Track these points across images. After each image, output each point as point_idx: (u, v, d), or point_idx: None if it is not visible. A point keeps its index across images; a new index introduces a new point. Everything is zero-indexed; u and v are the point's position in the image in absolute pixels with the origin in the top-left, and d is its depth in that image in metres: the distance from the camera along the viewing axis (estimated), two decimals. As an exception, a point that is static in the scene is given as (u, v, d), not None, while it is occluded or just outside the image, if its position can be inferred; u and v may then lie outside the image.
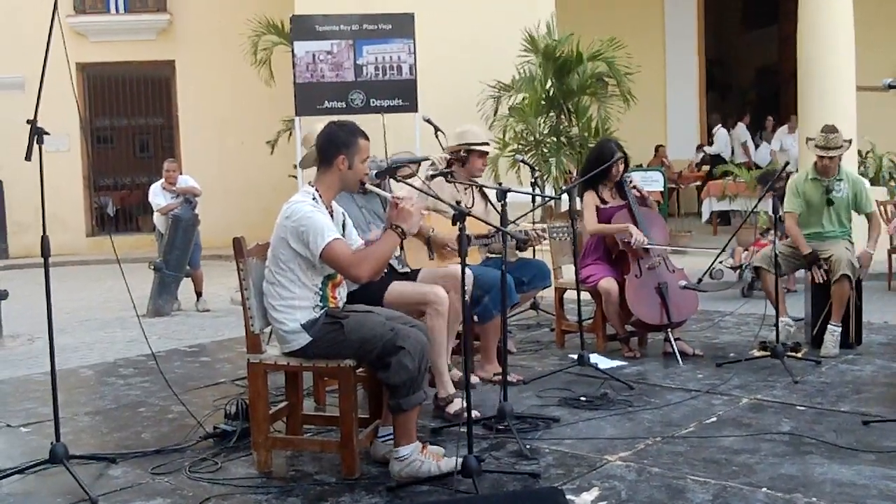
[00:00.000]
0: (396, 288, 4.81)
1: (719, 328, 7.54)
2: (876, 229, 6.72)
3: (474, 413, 4.81)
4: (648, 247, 6.38)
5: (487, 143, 6.12)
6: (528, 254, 6.85)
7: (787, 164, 7.13)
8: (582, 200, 6.68)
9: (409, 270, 5.16)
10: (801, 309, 7.02)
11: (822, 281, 6.50)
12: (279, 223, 4.12)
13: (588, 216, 6.54)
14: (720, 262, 9.95)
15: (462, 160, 5.98)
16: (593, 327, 6.69)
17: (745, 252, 9.83)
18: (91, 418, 5.40)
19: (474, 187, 6.07)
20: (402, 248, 5.07)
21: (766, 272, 6.52)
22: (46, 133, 4.25)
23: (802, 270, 6.86)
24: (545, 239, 5.91)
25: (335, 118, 4.46)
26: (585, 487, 3.89)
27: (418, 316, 4.73)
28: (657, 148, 17.49)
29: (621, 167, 6.57)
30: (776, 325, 6.15)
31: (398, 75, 10.47)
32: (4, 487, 4.13)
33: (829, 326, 6.41)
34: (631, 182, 6.71)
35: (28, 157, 4.19)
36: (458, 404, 4.87)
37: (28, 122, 4.23)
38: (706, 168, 16.98)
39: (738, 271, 9.83)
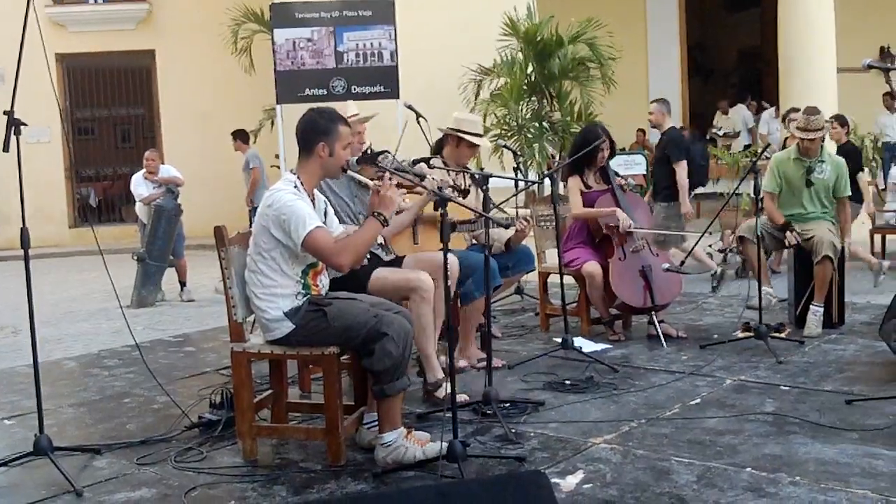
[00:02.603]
0: (381, 275, 4.80)
1: (703, 310, 7.57)
2: (845, 216, 6.76)
3: (464, 397, 4.85)
4: (634, 230, 6.40)
5: (480, 136, 6.07)
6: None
7: (768, 145, 7.16)
8: (566, 185, 6.69)
9: (394, 257, 5.15)
10: (785, 290, 7.05)
11: (794, 243, 6.52)
12: (261, 211, 4.11)
13: (574, 200, 6.55)
14: (709, 246, 9.99)
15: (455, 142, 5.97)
16: (577, 311, 6.70)
17: (732, 235, 9.84)
18: (75, 410, 5.39)
19: (465, 173, 6.07)
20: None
21: (749, 242, 6.55)
22: (24, 124, 4.22)
23: (786, 252, 6.88)
24: (531, 226, 5.90)
25: (316, 106, 4.43)
26: (570, 470, 3.91)
27: (402, 302, 4.73)
28: (638, 132, 17.49)
29: (606, 152, 6.57)
30: (759, 291, 6.16)
31: (379, 62, 10.44)
32: (-11, 480, 4.13)
33: (811, 307, 6.44)
34: (619, 175, 6.74)
35: (6, 149, 4.17)
36: (446, 389, 4.85)
37: (4, 113, 4.21)
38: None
39: (723, 255, 9.84)
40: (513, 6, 11.15)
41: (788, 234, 6.55)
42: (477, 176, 5.83)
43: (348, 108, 5.37)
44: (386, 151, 5.07)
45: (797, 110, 9.46)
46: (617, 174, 6.74)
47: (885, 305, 5.55)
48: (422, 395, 5.08)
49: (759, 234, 6.26)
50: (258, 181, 12.60)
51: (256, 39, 13.86)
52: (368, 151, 4.84)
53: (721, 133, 17.49)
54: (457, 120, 6.02)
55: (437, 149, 6.12)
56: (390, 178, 4.19)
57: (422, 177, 4.91)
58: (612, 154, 6.69)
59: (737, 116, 17.89)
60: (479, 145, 6.07)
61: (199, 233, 12.70)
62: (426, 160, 5.68)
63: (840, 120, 9.38)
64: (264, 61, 12.66)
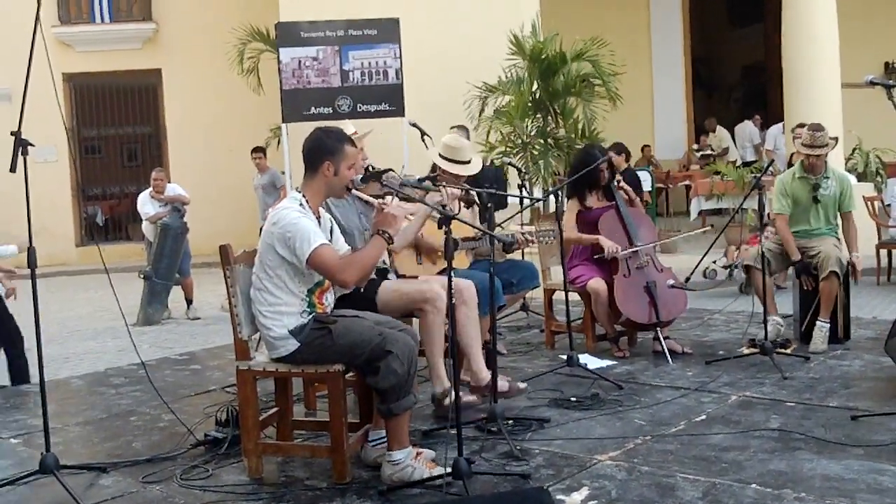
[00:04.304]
0: (392, 286, 4.80)
1: (708, 326, 7.56)
2: (852, 230, 6.72)
3: (472, 397, 4.86)
4: (622, 254, 6.39)
5: (466, 163, 5.88)
6: (516, 255, 6.85)
7: (772, 161, 7.15)
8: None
9: (403, 276, 5.17)
10: (790, 305, 7.05)
11: (809, 288, 6.55)
12: (266, 229, 4.13)
13: (566, 223, 6.48)
14: (714, 262, 10.00)
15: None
16: (582, 328, 6.71)
17: (737, 251, 9.85)
18: (82, 428, 5.39)
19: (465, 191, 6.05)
20: (389, 254, 5.08)
21: (756, 271, 6.53)
22: (31, 144, 4.25)
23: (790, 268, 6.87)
24: (533, 242, 5.91)
25: (322, 124, 4.46)
26: (575, 487, 3.91)
27: (410, 315, 4.74)
28: (643, 148, 17.51)
29: (606, 173, 6.58)
30: (765, 322, 6.17)
31: (384, 80, 10.52)
32: (-5, 499, 4.14)
33: (817, 322, 6.43)
34: (619, 183, 6.73)
35: (13, 169, 4.19)
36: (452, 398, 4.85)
37: (12, 133, 4.23)
38: (695, 168, 16.99)
39: (728, 270, 9.86)
40: (517, 24, 11.20)
41: (805, 278, 6.56)
42: (482, 193, 5.83)
43: (347, 128, 5.36)
44: (390, 170, 5.09)
45: (804, 126, 9.49)
46: (618, 182, 6.72)
47: (891, 321, 5.54)
48: (432, 408, 5.09)
49: (762, 253, 6.24)
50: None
51: (263, 58, 13.94)
52: (370, 169, 4.85)
53: (700, 155, 17.50)
54: (444, 146, 5.89)
55: (435, 168, 6.10)
56: (397, 196, 4.21)
57: (426, 189, 4.91)
58: (613, 174, 6.70)
59: (723, 134, 17.96)
60: (462, 175, 5.95)
61: (205, 250, 12.76)
62: (431, 179, 5.69)
63: (618, 148, 9.39)
64: (270, 80, 12.74)
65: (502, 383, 4.99)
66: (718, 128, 18.08)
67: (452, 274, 4.01)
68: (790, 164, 8.95)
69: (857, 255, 6.61)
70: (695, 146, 17.99)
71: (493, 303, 4.88)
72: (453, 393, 4.07)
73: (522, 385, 5.13)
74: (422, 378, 4.95)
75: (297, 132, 8.97)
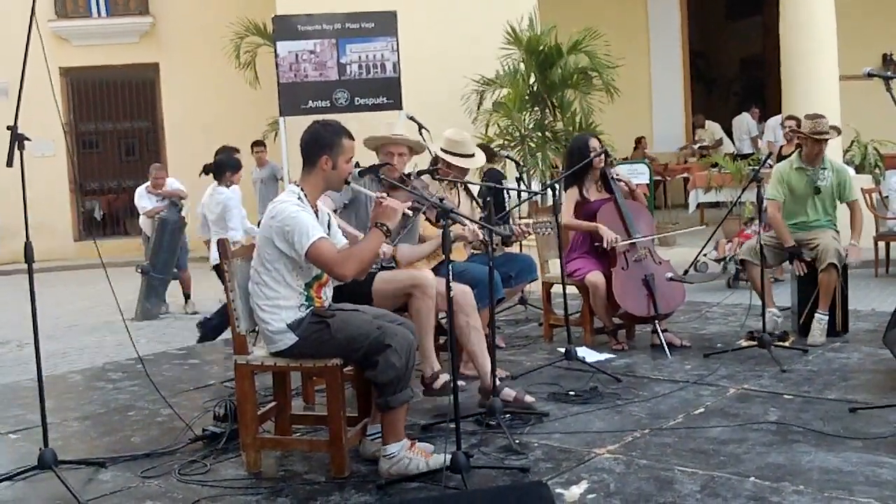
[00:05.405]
0: (385, 276, 4.81)
1: (706, 319, 7.56)
2: (858, 219, 6.69)
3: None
4: (622, 244, 6.38)
5: (470, 156, 6.00)
6: (514, 248, 6.84)
7: (770, 153, 7.14)
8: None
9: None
10: (788, 298, 7.04)
11: (801, 274, 6.54)
12: (264, 223, 4.13)
13: (565, 210, 6.51)
14: (704, 255, 9.98)
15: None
16: (581, 321, 6.70)
17: (729, 244, 9.85)
18: (80, 423, 5.39)
19: (459, 185, 6.07)
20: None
21: (752, 265, 6.52)
22: (27, 139, 4.24)
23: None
24: (530, 234, 5.91)
25: (319, 118, 4.45)
26: (574, 481, 3.91)
27: (405, 302, 4.74)
28: (638, 140, 17.47)
29: (602, 158, 6.56)
30: (762, 315, 6.17)
31: (382, 73, 10.50)
32: (-6, 494, 4.13)
33: (815, 315, 6.43)
34: (617, 175, 6.71)
35: (9, 164, 4.18)
36: (444, 378, 4.85)
37: (8, 128, 4.22)
38: (693, 160, 16.99)
39: (721, 263, 9.85)
40: (515, 16, 11.18)
41: (797, 263, 6.54)
42: (476, 187, 5.84)
43: (396, 127, 5.35)
44: (388, 164, 5.09)
45: (793, 118, 9.49)
46: (617, 177, 6.71)
47: (889, 313, 5.54)
48: (431, 402, 5.09)
49: (760, 245, 6.23)
50: None
51: (260, 52, 13.91)
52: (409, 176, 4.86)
53: (698, 147, 17.52)
54: (447, 141, 5.95)
55: (436, 161, 6.11)
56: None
57: (426, 199, 4.90)
58: (608, 158, 6.68)
59: (714, 127, 17.98)
60: (467, 168, 6.03)
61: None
62: (430, 172, 5.69)
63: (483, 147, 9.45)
64: (268, 73, 12.71)
65: (509, 391, 4.98)
66: (708, 122, 18.10)
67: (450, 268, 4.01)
68: (780, 157, 8.95)
69: (854, 242, 6.56)
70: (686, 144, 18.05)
71: (493, 296, 4.88)
72: (451, 382, 4.06)
73: (530, 399, 5.07)
74: (419, 372, 4.95)
75: (295, 126, 8.95)
